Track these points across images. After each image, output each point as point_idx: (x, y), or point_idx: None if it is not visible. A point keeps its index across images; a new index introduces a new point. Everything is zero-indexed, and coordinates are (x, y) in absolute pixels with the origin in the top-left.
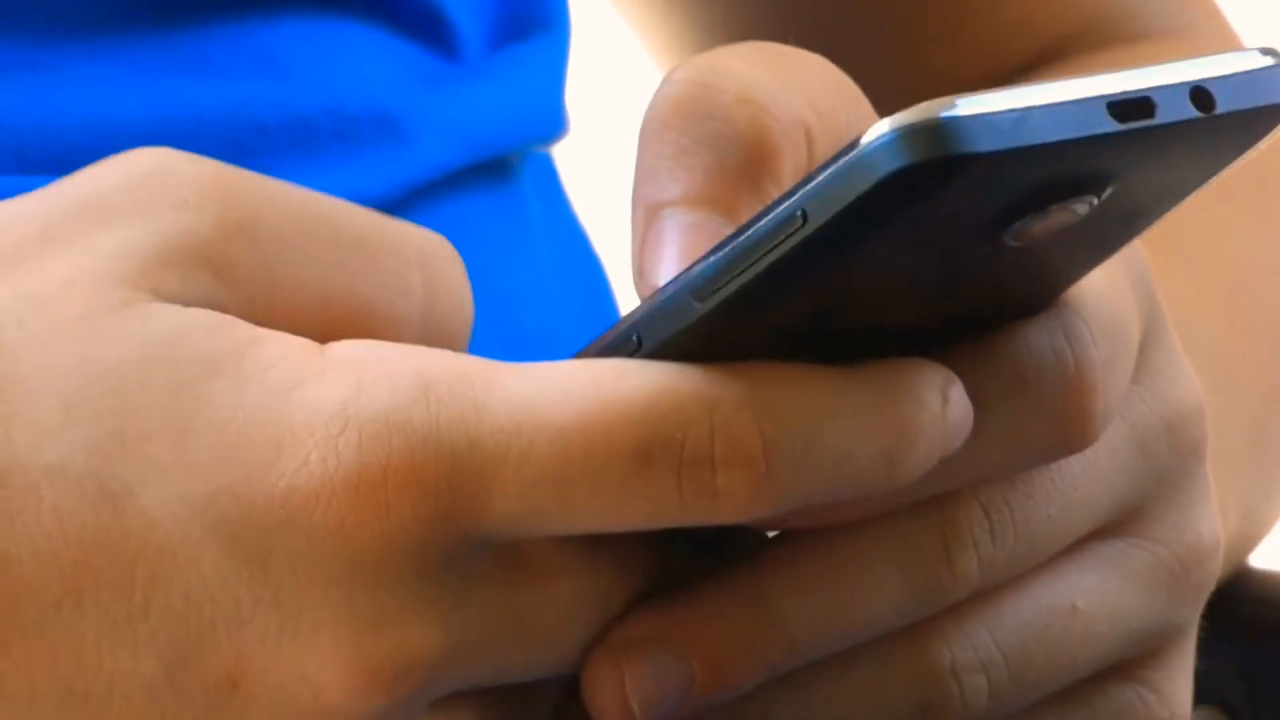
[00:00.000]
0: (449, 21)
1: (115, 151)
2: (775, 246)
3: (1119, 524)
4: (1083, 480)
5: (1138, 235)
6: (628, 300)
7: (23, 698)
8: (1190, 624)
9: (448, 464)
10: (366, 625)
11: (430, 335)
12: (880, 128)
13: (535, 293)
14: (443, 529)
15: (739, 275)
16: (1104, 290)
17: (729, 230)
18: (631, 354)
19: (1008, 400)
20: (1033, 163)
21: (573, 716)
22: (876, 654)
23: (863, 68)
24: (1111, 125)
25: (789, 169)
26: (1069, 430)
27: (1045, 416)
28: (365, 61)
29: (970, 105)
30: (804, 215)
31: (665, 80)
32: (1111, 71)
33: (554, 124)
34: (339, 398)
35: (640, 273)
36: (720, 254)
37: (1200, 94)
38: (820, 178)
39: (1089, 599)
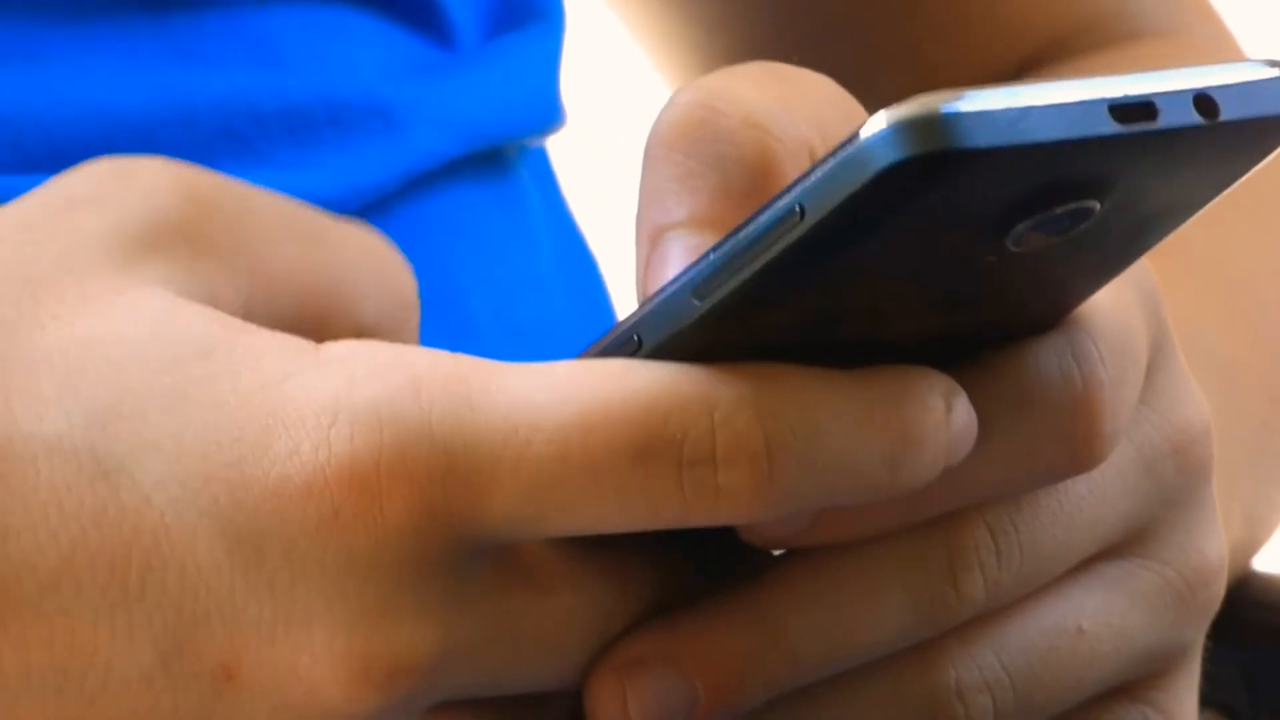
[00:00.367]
0: (443, 10)
1: (112, 143)
2: (773, 242)
3: (1125, 545)
4: (1089, 501)
5: (1144, 253)
6: (622, 298)
7: (18, 678)
8: (1196, 645)
9: (441, 461)
10: (360, 621)
11: (385, 320)
12: (878, 121)
13: (533, 284)
14: (438, 528)
15: (738, 272)
16: (1112, 310)
17: None
18: (632, 354)
19: (1014, 418)
20: (1032, 162)
21: None
22: (881, 674)
23: (860, 66)
24: (1112, 127)
25: None
26: (1076, 450)
27: (1052, 436)
28: (360, 50)
29: (970, 100)
30: (801, 210)
31: (669, 103)
32: (1114, 74)
33: (550, 114)
34: (330, 390)
35: (645, 295)
36: (719, 252)
37: (1204, 101)
38: (817, 172)
39: (1095, 620)
